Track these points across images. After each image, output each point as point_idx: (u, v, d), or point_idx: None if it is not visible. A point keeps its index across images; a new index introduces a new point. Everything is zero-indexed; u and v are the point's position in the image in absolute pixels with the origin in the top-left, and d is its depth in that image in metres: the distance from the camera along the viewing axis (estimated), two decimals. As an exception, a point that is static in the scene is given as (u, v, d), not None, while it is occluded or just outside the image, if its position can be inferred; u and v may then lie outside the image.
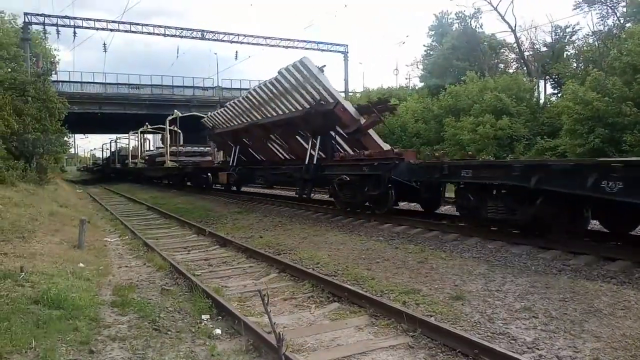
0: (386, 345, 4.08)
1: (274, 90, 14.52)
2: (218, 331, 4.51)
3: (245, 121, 17.65)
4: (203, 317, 4.90)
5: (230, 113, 18.78)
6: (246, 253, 8.06)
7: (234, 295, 5.75)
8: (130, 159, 40.86)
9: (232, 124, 19.18)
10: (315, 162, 12.96)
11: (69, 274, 6.29)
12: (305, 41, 43.91)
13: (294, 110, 14.01)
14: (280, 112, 14.86)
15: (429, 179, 9.20)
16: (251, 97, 16.37)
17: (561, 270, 5.98)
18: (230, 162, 19.31)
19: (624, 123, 18.06)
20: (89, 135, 79.01)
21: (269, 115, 15.71)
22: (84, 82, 43.98)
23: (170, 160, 28.92)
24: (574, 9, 34.58)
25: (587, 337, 3.94)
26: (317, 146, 13.03)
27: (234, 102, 18.35)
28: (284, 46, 42.99)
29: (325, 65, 12.76)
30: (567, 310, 4.56)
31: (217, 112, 20.45)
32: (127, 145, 45.64)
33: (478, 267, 6.31)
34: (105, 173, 52.45)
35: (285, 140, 15.67)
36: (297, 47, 43.55)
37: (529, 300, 4.90)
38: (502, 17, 34.35)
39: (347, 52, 45.56)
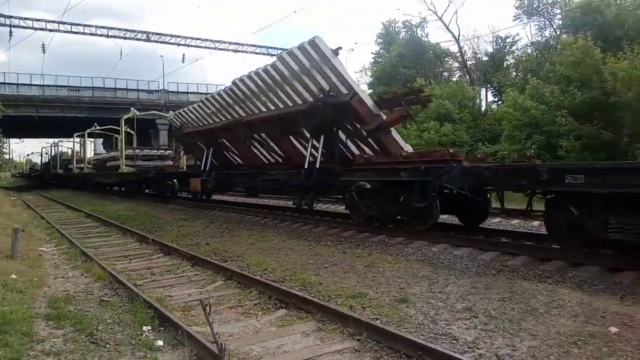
0: (332, 350, 4.08)
1: (268, 80, 12.24)
2: (160, 342, 4.36)
3: (224, 119, 15.38)
4: (144, 328, 4.72)
5: (205, 110, 16.40)
6: (191, 261, 7.87)
7: (177, 305, 5.58)
8: (74, 163, 37.20)
9: (206, 122, 16.81)
10: (317, 165, 10.86)
11: (0, 286, 5.91)
12: (255, 45, 43.71)
13: (291, 104, 11.93)
14: (273, 107, 12.70)
15: (503, 186, 7.51)
16: (235, 90, 13.90)
17: (500, 270, 6.22)
18: (202, 166, 16.94)
19: (560, 131, 19.10)
20: (25, 140, 75.09)
21: (256, 111, 13.49)
22: (20, 84, 41.79)
23: (125, 165, 25.43)
24: (514, 20, 36.36)
25: (524, 336, 4.10)
26: (321, 147, 10.84)
27: (210, 97, 15.93)
28: (232, 50, 42.62)
29: (340, 47, 10.59)
30: (506, 309, 4.73)
31: (188, 109, 17.89)
32: (71, 149, 42.58)
33: (422, 269, 6.45)
34: (45, 179, 48.18)
35: (276, 141, 13.58)
36: (246, 52, 43.29)
37: (470, 301, 5.04)
38: (447, 27, 35.66)
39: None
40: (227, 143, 16.21)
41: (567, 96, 19.55)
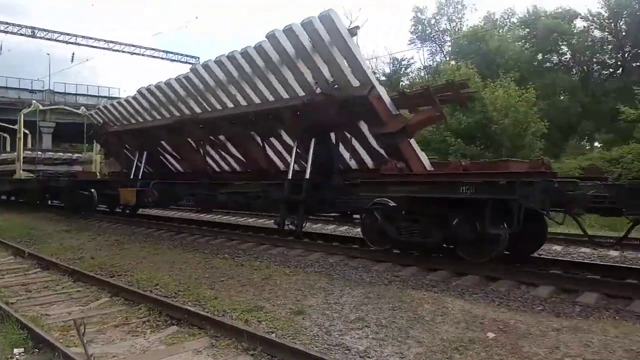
0: (225, 367, 3.97)
1: (246, 67, 9.74)
2: (32, 367, 3.95)
3: (168, 116, 12.75)
4: (15, 351, 4.25)
5: (141, 104, 13.45)
6: (73, 276, 7.25)
7: (55, 325, 5.10)
8: None
9: (140, 120, 14.00)
10: (307, 176, 8.92)
11: None
12: (153, 49, 42.07)
13: (272, 99, 9.73)
14: (245, 103, 10.45)
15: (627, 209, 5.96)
16: (194, 79, 11.25)
17: (392, 281, 6.48)
18: (132, 173, 13.95)
19: (449, 150, 20.62)
20: None
21: (219, 107, 11.12)
22: None
23: (23, 170, 20.12)
24: (409, 44, 38.74)
25: (411, 343, 4.29)
26: (311, 154, 8.89)
27: (152, 88, 12.74)
28: (129, 52, 40.60)
29: (358, 27, 9.01)
30: (396, 318, 4.93)
31: (117, 103, 14.85)
32: None
33: (319, 281, 6.53)
34: None
35: (242, 145, 11.28)
36: (144, 55, 41.49)
37: (362, 311, 5.19)
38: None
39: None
40: (167, 146, 13.69)
41: (454, 119, 21.16)
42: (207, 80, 10.92)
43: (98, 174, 19.34)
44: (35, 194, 19.26)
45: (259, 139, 10.72)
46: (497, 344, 4.15)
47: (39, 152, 21.95)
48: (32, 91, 42.64)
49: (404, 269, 7.08)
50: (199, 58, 44.42)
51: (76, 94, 44.49)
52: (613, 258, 8.19)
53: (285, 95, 9.54)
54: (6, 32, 35.21)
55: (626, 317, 4.94)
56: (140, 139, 14.18)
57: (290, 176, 9.14)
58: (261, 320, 5.01)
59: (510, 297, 5.70)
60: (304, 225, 9.18)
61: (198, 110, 11.69)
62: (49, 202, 19.28)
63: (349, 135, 9.15)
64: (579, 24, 33.74)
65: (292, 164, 9.36)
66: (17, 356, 4.19)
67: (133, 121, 14.33)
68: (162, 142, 13.61)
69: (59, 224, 13.78)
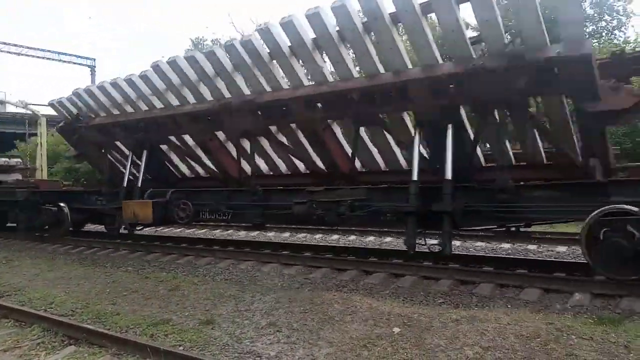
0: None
1: (356, 24, 6.57)
2: None
3: (193, 100, 8.98)
4: None
5: (152, 85, 9.31)
6: (-48, 300, 6.49)
7: None
8: None
9: (144, 107, 9.83)
10: (449, 176, 6.22)
11: None
12: (44, 50, 39.00)
13: (397, 70, 6.61)
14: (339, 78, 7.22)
15: None
16: (254, 45, 7.58)
17: (303, 284, 6.54)
18: (124, 181, 10.10)
19: None
20: None
21: (286, 87, 7.87)
22: None
23: None
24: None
25: (322, 344, 4.35)
26: (450, 144, 6.33)
27: (174, 61, 8.70)
28: (15, 53, 37.31)
29: None
30: (307, 320, 4.97)
31: (110, 85, 10.03)
32: None
33: (229, 289, 6.41)
34: None
35: (316, 136, 8.02)
36: (34, 56, 38.33)
37: (274, 316, 5.17)
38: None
39: (95, 67, 42.18)
40: (181, 143, 9.99)
41: None
42: (278, 45, 7.31)
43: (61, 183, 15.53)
44: None
45: (359, 127, 7.61)
46: (402, 338, 4.33)
47: None
48: None
49: (315, 271, 7.16)
50: (94, 60, 42.05)
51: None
52: (505, 250, 8.88)
53: (410, 65, 6.66)
54: None
55: (517, 305, 5.39)
56: (140, 134, 10.00)
57: (415, 177, 6.49)
58: (168, 334, 4.82)
59: (414, 292, 5.98)
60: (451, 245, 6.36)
61: (247, 91, 8.35)
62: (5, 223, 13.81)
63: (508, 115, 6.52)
64: None
65: (415, 158, 6.60)
66: None
67: (130, 109, 10.06)
68: (172, 138, 9.93)
69: None
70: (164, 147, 10.32)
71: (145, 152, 9.96)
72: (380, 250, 8.36)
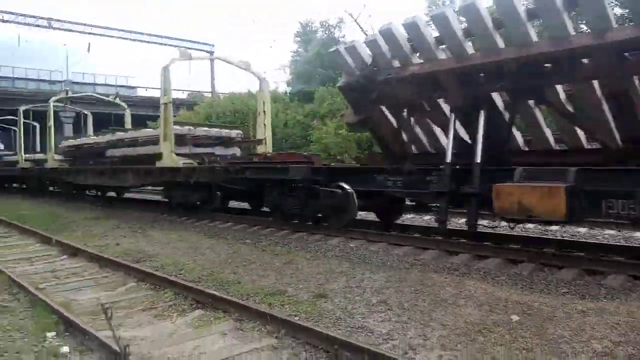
0: (251, 349, 4.04)
1: None
2: (65, 349, 4.08)
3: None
4: (48, 334, 4.39)
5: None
6: (100, 262, 7.42)
7: (84, 309, 5.25)
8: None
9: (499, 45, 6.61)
10: None
11: None
12: (167, 37, 42.17)
13: None
14: None
15: None
16: None
17: (413, 264, 6.49)
18: (479, 153, 6.77)
19: None
20: None
21: None
22: None
23: (176, 154, 12.10)
24: (426, 25, 38.02)
25: (434, 326, 4.31)
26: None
27: None
28: (144, 41, 40.82)
29: None
30: (418, 301, 4.94)
31: (417, 22, 7.41)
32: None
33: (340, 265, 6.57)
34: None
35: None
36: (157, 43, 41.63)
37: (384, 294, 5.21)
38: (362, 29, 36.49)
39: (213, 52, 44.71)
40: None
41: None
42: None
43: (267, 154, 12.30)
44: (204, 193, 11.83)
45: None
46: (522, 327, 4.14)
47: (189, 127, 13.85)
48: (51, 82, 43.31)
49: (424, 252, 7.07)
50: (213, 45, 44.48)
51: (94, 84, 45.13)
52: (638, 239, 8.04)
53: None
54: (24, 24, 35.53)
55: (653, 299, 4.88)
56: (486, 85, 7.02)
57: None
58: (284, 304, 5.08)
59: (534, 280, 5.67)
60: None
61: None
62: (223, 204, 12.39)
63: None
64: None
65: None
66: (50, 339, 4.32)
67: (470, 51, 7.03)
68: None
69: (84, 213, 14.05)
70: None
71: (482, 114, 6.91)
72: (495, 235, 7.99)
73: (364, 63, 8.17)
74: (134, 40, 40.41)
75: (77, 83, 44.16)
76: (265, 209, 10.95)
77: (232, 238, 9.00)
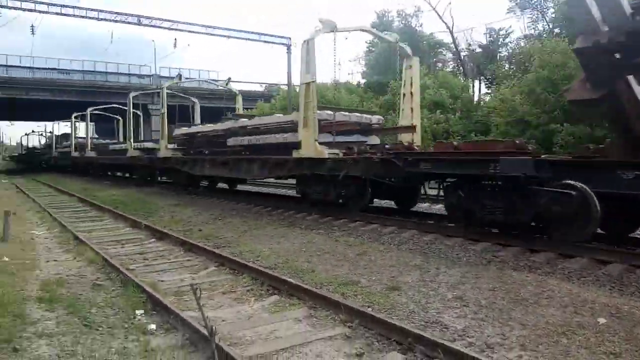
0: (324, 336, 4.12)
1: None
2: (153, 326, 4.38)
3: None
4: (137, 312, 4.74)
5: None
6: (184, 246, 7.87)
7: (170, 290, 5.60)
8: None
9: None
10: None
11: (-9, 269, 5.90)
12: (247, 32, 43.29)
13: None
14: None
15: None
16: None
17: (490, 261, 6.28)
18: None
19: (554, 129, 18.85)
20: (15, 123, 74.23)
21: None
22: (10, 66, 41.22)
23: (319, 142, 10.50)
24: (507, 12, 36.30)
25: (514, 325, 4.16)
26: None
27: None
28: (225, 36, 42.16)
29: None
30: (496, 299, 4.79)
31: None
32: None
33: (414, 258, 6.50)
34: (48, 164, 40.79)
35: None
36: (238, 38, 42.85)
37: (460, 290, 5.10)
38: (440, 17, 35.44)
39: (290, 45, 45.34)
40: None
41: (560, 98, 19.35)
42: None
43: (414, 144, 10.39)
44: (351, 189, 10.03)
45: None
46: (609, 330, 3.90)
47: (328, 112, 11.50)
48: (140, 76, 46.13)
49: (503, 249, 6.81)
50: (290, 38, 45.08)
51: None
52: None
53: None
54: (116, 22, 37.92)
55: None
56: None
57: None
58: (357, 294, 5.12)
59: (625, 282, 5.29)
60: None
61: None
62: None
63: None
64: None
65: None
66: (139, 317, 4.66)
67: None
68: None
69: (169, 199, 14.91)
70: None
71: None
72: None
73: (621, 14, 5.70)
74: (215, 35, 41.90)
75: (164, 77, 46.67)
76: (414, 208, 10.24)
77: (306, 228, 9.17)
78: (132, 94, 24.14)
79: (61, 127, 44.53)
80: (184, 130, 17.41)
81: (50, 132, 46.64)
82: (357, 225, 9.07)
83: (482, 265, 6.10)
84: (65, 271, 6.43)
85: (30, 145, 56.74)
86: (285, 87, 37.23)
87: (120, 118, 31.69)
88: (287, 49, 45.48)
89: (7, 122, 70.91)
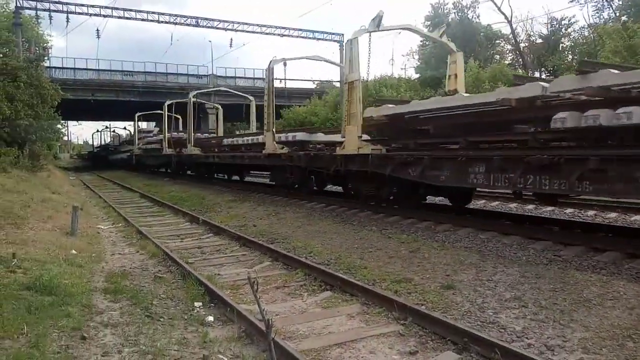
0: (377, 333, 4.12)
1: None
2: (210, 318, 4.54)
3: None
4: (196, 304, 4.92)
5: None
6: (239, 241, 8.07)
7: (226, 283, 5.77)
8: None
9: None
10: None
11: (62, 260, 6.29)
12: (300, 30, 43.67)
13: None
14: None
15: None
16: None
17: (552, 260, 6.03)
18: None
19: None
20: (82, 123, 78.55)
21: None
22: (77, 69, 43.58)
23: None
24: (570, 1, 34.61)
25: (575, 327, 3.99)
26: None
27: None
28: (279, 34, 42.73)
29: None
30: (557, 300, 4.60)
31: None
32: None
33: (469, 257, 6.35)
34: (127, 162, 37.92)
35: None
36: (292, 36, 43.32)
37: (519, 290, 4.94)
38: (498, 8, 34.29)
39: (343, 42, 45.32)
40: None
41: None
42: None
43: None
44: None
45: None
46: (683, 336, 3.66)
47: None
48: (198, 76, 47.50)
49: (565, 249, 6.52)
50: (342, 35, 45.04)
51: (235, 77, 48.48)
52: None
53: None
54: (175, 24, 39.34)
55: None
56: None
57: None
58: (410, 292, 5.07)
59: (701, 286, 4.94)
60: None
61: None
62: None
63: None
64: None
65: None
66: (198, 309, 4.83)
67: None
68: None
69: (225, 196, 15.31)
70: None
71: None
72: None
73: None
74: (268, 34, 42.58)
75: (221, 77, 47.88)
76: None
77: (358, 224, 9.15)
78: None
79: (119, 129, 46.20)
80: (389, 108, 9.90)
81: (124, 128, 48.17)
82: (410, 222, 8.96)
83: (542, 265, 5.87)
84: (129, 264, 6.77)
85: (101, 143, 58.81)
86: (337, 84, 37.32)
87: (179, 116, 32.40)
88: (340, 46, 45.47)
89: (74, 122, 74.92)
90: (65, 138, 79.91)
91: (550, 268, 5.70)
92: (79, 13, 36.01)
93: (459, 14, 42.15)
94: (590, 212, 9.71)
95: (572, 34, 36.66)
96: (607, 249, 6.29)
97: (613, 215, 9.44)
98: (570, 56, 34.28)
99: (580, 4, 34.48)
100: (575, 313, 4.26)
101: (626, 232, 7.29)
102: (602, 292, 4.71)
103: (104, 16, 36.59)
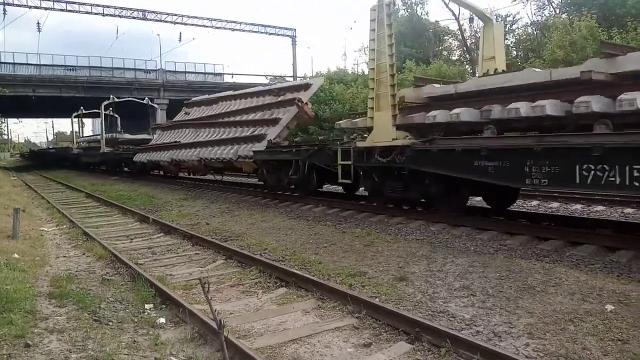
0: (332, 327, 4.15)
1: None
2: (162, 320, 4.43)
3: None
4: (146, 306, 4.79)
5: None
6: (192, 240, 7.92)
7: (179, 284, 5.65)
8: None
9: None
10: None
11: (3, 265, 5.96)
12: (252, 24, 43.34)
13: None
14: None
15: None
16: None
17: (498, 250, 6.26)
18: None
19: None
20: (23, 120, 74.82)
21: None
22: (17, 64, 41.42)
23: None
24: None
25: (521, 313, 4.16)
26: None
27: None
28: (230, 28, 42.23)
29: None
30: (503, 287, 4.79)
31: None
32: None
33: (421, 249, 6.50)
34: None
35: None
36: (243, 30, 42.90)
37: (467, 279, 5.10)
38: (446, 5, 35.09)
39: (295, 37, 45.31)
40: None
41: None
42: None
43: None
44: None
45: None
46: (617, 317, 3.89)
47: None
48: (146, 71, 46.11)
49: (511, 238, 6.78)
50: (295, 30, 44.98)
51: (185, 72, 47.42)
52: None
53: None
54: (120, 17, 38.17)
55: None
56: None
57: None
58: (364, 285, 5.14)
59: (633, 269, 5.26)
60: None
61: None
62: None
63: None
64: None
65: None
66: (149, 311, 4.70)
67: None
68: None
69: (177, 194, 14.98)
70: None
71: None
72: (588, 220, 7.50)
73: None
74: (220, 28, 41.93)
75: (170, 71, 46.66)
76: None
77: (313, 220, 9.18)
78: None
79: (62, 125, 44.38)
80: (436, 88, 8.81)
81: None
82: (364, 216, 9.07)
83: (489, 254, 6.09)
84: (75, 267, 6.50)
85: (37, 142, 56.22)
86: (291, 79, 37.18)
87: (117, 116, 31.60)
88: (292, 41, 45.41)
89: (14, 120, 71.20)
90: (5, 137, 75.89)
91: (497, 257, 5.92)
92: (18, 5, 34.26)
93: (408, 10, 42.90)
94: (534, 202, 10.14)
95: (516, 30, 38.07)
96: (549, 237, 6.60)
97: (555, 205, 9.90)
98: (515, 52, 35.60)
99: (523, 2, 35.81)
100: (521, 300, 4.44)
101: (567, 221, 7.65)
102: (545, 279, 4.93)
103: (45, 8, 34.98)
